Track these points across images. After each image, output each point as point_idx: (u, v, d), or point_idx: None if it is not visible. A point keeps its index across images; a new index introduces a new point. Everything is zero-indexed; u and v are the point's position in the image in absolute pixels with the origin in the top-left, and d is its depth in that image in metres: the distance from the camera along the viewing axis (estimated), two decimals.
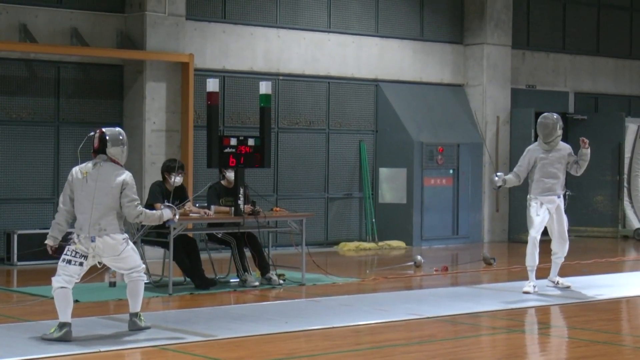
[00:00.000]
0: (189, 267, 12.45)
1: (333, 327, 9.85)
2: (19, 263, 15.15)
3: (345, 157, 18.94)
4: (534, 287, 12.38)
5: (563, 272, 13.16)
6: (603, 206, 21.26)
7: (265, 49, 17.83)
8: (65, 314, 9.12)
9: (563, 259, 12.86)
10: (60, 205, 9.56)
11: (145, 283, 12.55)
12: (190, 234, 12.89)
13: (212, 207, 12.76)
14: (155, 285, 12.63)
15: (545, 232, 12.82)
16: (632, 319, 11.61)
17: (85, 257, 9.30)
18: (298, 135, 18.35)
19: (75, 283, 9.35)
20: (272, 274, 13.02)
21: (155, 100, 16.18)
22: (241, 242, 12.97)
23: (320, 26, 18.57)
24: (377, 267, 15.82)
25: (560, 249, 12.73)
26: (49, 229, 15.49)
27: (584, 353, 8.87)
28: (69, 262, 9.29)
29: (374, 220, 18.89)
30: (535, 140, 13.00)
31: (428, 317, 10.57)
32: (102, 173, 9.39)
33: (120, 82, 16.54)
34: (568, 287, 12.72)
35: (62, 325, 9.07)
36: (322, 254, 16.74)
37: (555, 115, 12.67)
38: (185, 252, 12.38)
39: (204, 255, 12.96)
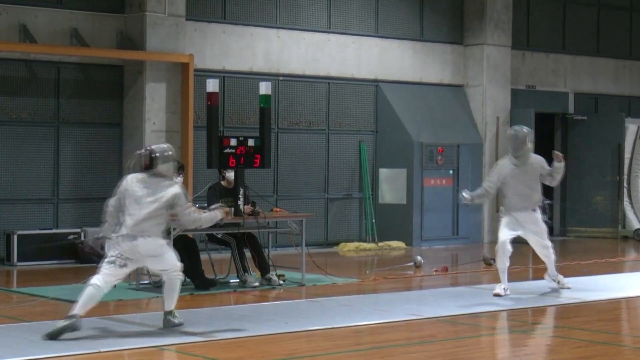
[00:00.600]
0: (189, 267, 12.42)
1: (333, 328, 9.85)
2: (18, 263, 15.15)
3: (345, 157, 18.94)
4: (505, 289, 12.09)
5: (565, 273, 13.16)
6: (603, 207, 21.27)
7: (265, 50, 17.84)
8: (81, 308, 9.22)
9: (553, 256, 12.60)
10: (110, 208, 9.90)
11: (145, 283, 12.67)
12: (190, 234, 12.88)
13: (213, 207, 12.73)
14: (155, 286, 12.61)
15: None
16: (631, 320, 11.61)
17: (129, 259, 9.50)
18: (298, 135, 18.35)
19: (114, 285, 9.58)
20: (272, 275, 13.01)
21: (155, 101, 16.18)
22: (241, 242, 12.97)
23: (320, 27, 18.57)
24: (377, 267, 15.81)
25: (544, 252, 12.50)
26: (48, 229, 15.69)
27: (584, 353, 8.87)
28: (112, 262, 9.49)
29: (374, 220, 18.89)
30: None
31: (428, 318, 10.57)
32: (153, 183, 9.66)
33: (120, 82, 16.54)
34: (568, 288, 12.58)
35: (70, 317, 9.14)
36: (322, 254, 16.73)
37: (525, 129, 12.27)
38: (185, 253, 12.37)
39: (203, 256, 12.96)
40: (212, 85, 13.05)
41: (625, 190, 21.21)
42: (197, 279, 12.49)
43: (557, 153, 12.41)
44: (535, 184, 12.26)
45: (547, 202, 12.74)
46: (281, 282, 12.99)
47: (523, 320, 10.84)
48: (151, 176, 9.70)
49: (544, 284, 12.80)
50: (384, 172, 19.18)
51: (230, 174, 13.05)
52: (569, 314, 11.13)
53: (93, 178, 16.27)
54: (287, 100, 18.19)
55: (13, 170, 15.64)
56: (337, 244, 18.55)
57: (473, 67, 20.29)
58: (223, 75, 17.19)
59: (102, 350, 8.60)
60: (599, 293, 12.54)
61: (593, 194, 21.33)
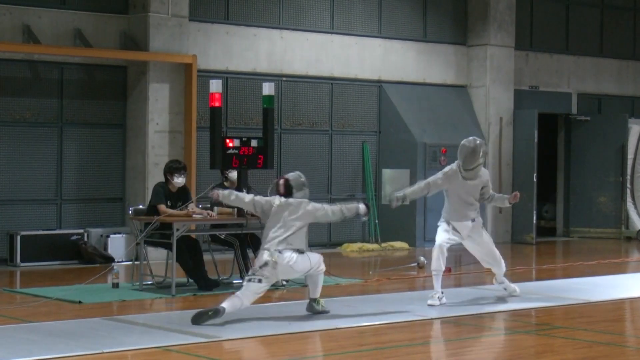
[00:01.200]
0: (192, 268, 12.45)
1: (336, 328, 9.85)
2: (22, 264, 15.16)
3: (349, 158, 18.94)
4: (440, 298, 11.40)
5: (568, 273, 13.16)
6: (606, 207, 21.26)
7: (269, 50, 17.83)
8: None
9: (504, 269, 11.95)
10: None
11: (147, 284, 12.67)
12: (193, 235, 12.89)
13: (216, 208, 12.76)
14: (158, 287, 12.63)
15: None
16: (635, 320, 11.60)
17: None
18: (301, 136, 18.35)
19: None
20: None
21: (158, 101, 16.19)
22: (244, 243, 12.97)
23: (323, 27, 18.57)
24: (381, 268, 15.81)
25: (493, 263, 11.85)
26: (52, 230, 15.71)
27: (587, 354, 8.86)
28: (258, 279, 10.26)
29: (377, 221, 18.88)
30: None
31: (431, 318, 10.57)
32: (292, 205, 10.43)
33: (123, 83, 16.55)
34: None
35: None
36: (325, 255, 16.64)
37: (478, 141, 11.57)
38: (189, 253, 12.38)
39: (207, 257, 12.96)
40: (216, 86, 13.06)
41: (628, 191, 21.21)
42: (200, 279, 12.49)
43: (516, 194, 11.80)
44: (476, 197, 11.66)
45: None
46: (284, 282, 12.98)
47: (526, 321, 10.83)
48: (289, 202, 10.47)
49: (547, 284, 12.77)
50: (387, 173, 19.18)
51: (233, 175, 13.06)
52: (573, 314, 11.12)
53: (96, 178, 16.29)
54: (290, 100, 18.19)
55: (16, 170, 15.65)
56: (340, 244, 18.55)
57: (476, 68, 20.29)
58: (226, 76, 17.19)
59: (105, 351, 8.60)
60: (603, 294, 12.53)
61: (596, 195, 21.32)
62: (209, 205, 12.96)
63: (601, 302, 11.94)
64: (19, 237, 15.23)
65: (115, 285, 12.61)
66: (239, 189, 12.75)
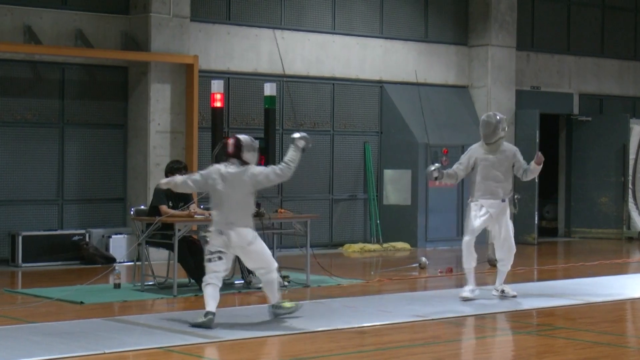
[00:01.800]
0: (193, 268, 12.44)
1: (337, 329, 9.85)
2: (23, 264, 15.16)
3: (350, 158, 18.94)
4: (473, 291, 11.78)
5: (569, 274, 13.16)
6: (607, 207, 21.25)
7: (270, 51, 17.83)
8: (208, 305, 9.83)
9: (509, 267, 12.10)
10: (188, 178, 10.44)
11: (149, 285, 12.67)
12: (194, 235, 12.89)
13: None
14: (160, 287, 12.63)
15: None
16: (636, 321, 11.60)
17: (222, 252, 9.97)
18: None
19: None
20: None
21: (159, 102, 16.19)
22: None
23: (324, 28, 18.57)
24: (382, 268, 15.81)
25: (505, 255, 11.95)
26: (53, 230, 15.72)
27: (588, 354, 8.86)
28: (209, 260, 9.97)
29: (378, 221, 18.89)
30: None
31: (432, 319, 10.56)
32: (233, 171, 10.09)
33: (124, 83, 16.55)
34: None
35: (206, 314, 9.74)
36: (326, 255, 16.74)
37: (498, 116, 11.91)
38: (190, 254, 12.38)
39: None
40: (217, 86, 13.07)
41: (629, 191, 21.20)
42: (201, 280, 12.46)
43: (539, 155, 11.92)
44: (506, 173, 11.89)
45: (517, 196, 12.37)
46: (286, 283, 12.97)
47: (527, 322, 10.83)
48: (231, 166, 10.16)
49: (549, 285, 12.76)
50: (388, 173, 19.18)
51: None
52: (574, 315, 11.12)
53: (98, 179, 16.29)
54: (292, 101, 18.19)
55: (18, 171, 15.66)
56: (341, 245, 18.55)
57: (477, 68, 20.28)
58: (228, 76, 17.19)
59: (106, 351, 8.61)
60: (604, 294, 12.52)
61: (598, 195, 21.32)
62: (210, 206, 12.95)
63: (602, 303, 11.94)
64: (20, 238, 15.24)
65: (117, 286, 12.62)
66: None
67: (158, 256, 13.35)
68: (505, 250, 11.96)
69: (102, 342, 8.98)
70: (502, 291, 12.04)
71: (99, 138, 16.35)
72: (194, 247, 12.55)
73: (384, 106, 19.29)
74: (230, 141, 10.21)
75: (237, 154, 10.11)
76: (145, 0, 16.13)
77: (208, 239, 10.10)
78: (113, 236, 15.89)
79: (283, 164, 10.12)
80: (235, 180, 10.06)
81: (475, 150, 12.03)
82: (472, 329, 10.27)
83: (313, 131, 18.44)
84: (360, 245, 18.48)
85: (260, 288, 12.63)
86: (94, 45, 15.95)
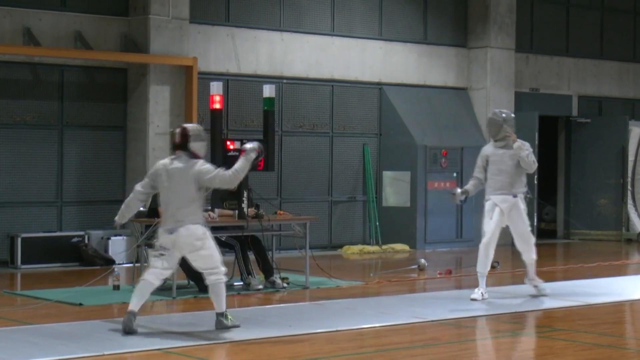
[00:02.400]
0: (192, 270, 12.42)
1: (337, 331, 9.85)
2: (22, 266, 15.16)
3: (349, 160, 18.94)
4: (483, 293, 11.94)
5: (568, 276, 13.15)
6: (607, 209, 21.26)
7: (269, 53, 17.84)
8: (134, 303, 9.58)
9: (534, 257, 12.23)
10: (138, 187, 10.00)
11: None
12: None
13: (216, 210, 12.76)
14: (159, 289, 12.60)
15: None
16: (635, 322, 11.60)
17: (165, 249, 9.68)
18: (302, 138, 18.35)
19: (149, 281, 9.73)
20: (276, 277, 13.01)
21: (159, 104, 16.19)
22: (245, 245, 12.97)
23: (324, 29, 18.58)
24: (381, 270, 15.81)
25: (525, 247, 12.13)
26: (52, 232, 15.70)
27: (588, 356, 8.86)
28: (155, 257, 9.74)
29: (377, 223, 18.88)
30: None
31: (432, 321, 10.56)
32: (179, 167, 9.70)
33: (124, 85, 16.56)
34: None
35: (127, 313, 9.53)
36: (325, 257, 16.74)
37: (504, 114, 12.12)
38: None
39: None
40: (216, 88, 13.07)
41: (629, 193, 21.21)
42: (200, 281, 12.45)
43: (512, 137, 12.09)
44: (515, 168, 11.99)
45: (529, 195, 12.49)
46: (285, 285, 12.98)
47: (527, 323, 10.83)
48: (178, 159, 9.78)
49: (548, 286, 12.73)
50: (387, 175, 19.18)
51: None
52: (573, 316, 11.12)
53: (97, 181, 16.29)
54: (291, 103, 18.19)
55: (17, 172, 15.65)
56: (341, 246, 18.55)
57: (477, 70, 20.29)
58: (227, 78, 17.19)
59: (105, 353, 8.61)
60: (603, 296, 12.52)
61: (597, 197, 21.32)
62: (209, 207, 12.96)
63: (602, 304, 11.94)
64: (19, 239, 15.23)
65: (116, 288, 12.61)
66: (239, 191, 12.75)
67: None
68: (523, 241, 12.16)
69: (102, 343, 8.98)
70: (537, 287, 12.30)
71: (98, 140, 16.35)
72: None
73: (383, 108, 19.29)
74: (177, 130, 9.85)
75: (183, 144, 9.73)
76: (145, 2, 16.13)
77: (156, 237, 9.94)
78: (112, 238, 15.89)
79: (231, 172, 9.68)
80: (181, 176, 9.66)
81: (486, 149, 12.31)
82: (471, 331, 10.27)
83: (312, 133, 18.46)
84: (360, 247, 18.47)
85: (260, 290, 12.69)
86: (93, 47, 15.95)
